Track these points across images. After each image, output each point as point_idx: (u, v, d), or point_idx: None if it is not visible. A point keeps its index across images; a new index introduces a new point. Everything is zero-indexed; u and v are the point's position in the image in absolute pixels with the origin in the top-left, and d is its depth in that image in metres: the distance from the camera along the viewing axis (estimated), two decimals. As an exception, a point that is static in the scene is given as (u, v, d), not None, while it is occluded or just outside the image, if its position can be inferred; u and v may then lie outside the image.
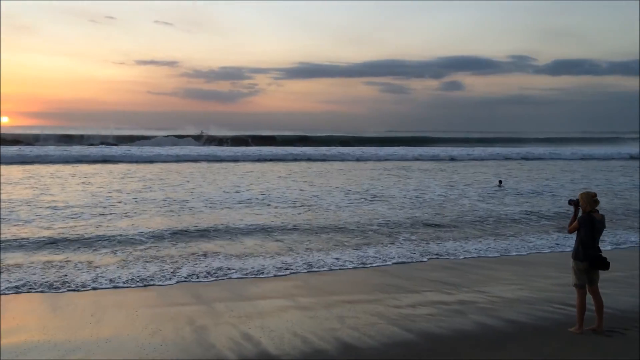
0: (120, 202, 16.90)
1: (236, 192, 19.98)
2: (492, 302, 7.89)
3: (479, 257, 11.00)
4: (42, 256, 10.28)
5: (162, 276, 9.16)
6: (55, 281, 8.73)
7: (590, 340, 6.28)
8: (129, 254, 10.59)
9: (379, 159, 40.68)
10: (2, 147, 36.57)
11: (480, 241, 12.37)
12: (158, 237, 12.02)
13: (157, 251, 10.83)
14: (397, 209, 16.55)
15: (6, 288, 8.31)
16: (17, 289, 8.31)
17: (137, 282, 8.85)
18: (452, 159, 42.00)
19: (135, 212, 15.09)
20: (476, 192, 20.98)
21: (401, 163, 37.60)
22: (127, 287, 8.62)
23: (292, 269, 9.78)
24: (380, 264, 10.30)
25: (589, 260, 6.36)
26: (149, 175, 25.77)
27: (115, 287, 8.57)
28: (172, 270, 9.50)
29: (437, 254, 11.08)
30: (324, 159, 39.64)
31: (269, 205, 16.94)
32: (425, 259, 10.70)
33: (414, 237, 12.63)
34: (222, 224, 13.56)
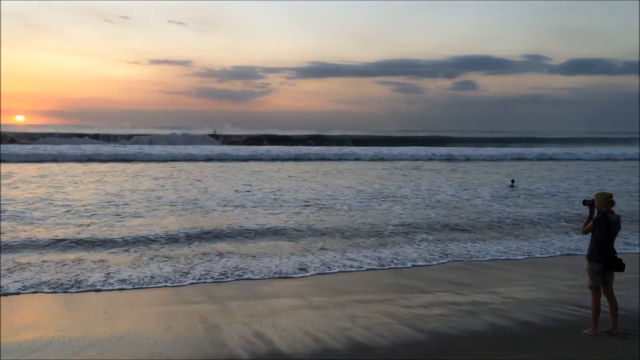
0: (133, 200, 17.02)
1: (248, 191, 20.03)
2: (505, 303, 7.84)
3: (493, 259, 10.93)
4: (56, 255, 10.39)
5: (175, 275, 9.21)
6: (69, 280, 8.81)
7: (604, 342, 6.22)
8: (142, 253, 10.67)
9: (393, 158, 40.66)
10: (16, 145, 37.09)
11: (499, 242, 12.29)
12: (171, 236, 12.06)
13: (170, 250, 10.90)
14: (411, 210, 16.50)
15: (22, 287, 8.41)
16: (31, 288, 8.40)
17: (150, 280, 8.91)
18: (467, 159, 41.82)
19: (147, 212, 15.19)
20: (489, 193, 20.86)
21: (414, 163, 37.49)
22: (140, 285, 8.68)
23: (308, 270, 9.74)
24: (401, 266, 10.19)
25: (604, 261, 6.30)
26: (162, 174, 25.94)
27: (128, 286, 8.63)
28: (185, 270, 9.55)
29: (453, 255, 11.02)
30: (338, 158, 39.77)
31: (281, 206, 16.97)
32: (443, 261, 10.61)
33: (430, 238, 12.57)
34: (235, 224, 13.60)
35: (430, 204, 17.66)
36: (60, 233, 12.12)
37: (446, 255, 11.04)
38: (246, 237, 12.26)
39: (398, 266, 10.18)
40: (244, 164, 34.16)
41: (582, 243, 11.96)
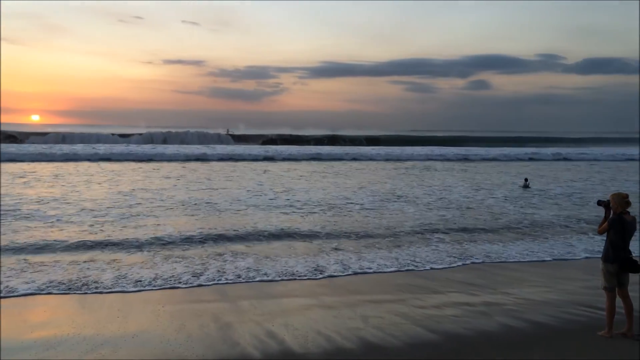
0: (146, 200, 17.15)
1: (261, 192, 20.10)
2: (519, 304, 7.79)
3: (503, 262, 10.86)
4: (69, 255, 10.47)
5: (188, 275, 9.26)
6: (82, 279, 8.89)
7: (619, 344, 6.15)
8: (155, 252, 10.73)
9: (407, 158, 40.69)
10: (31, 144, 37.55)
11: (517, 244, 12.16)
12: (185, 236, 12.12)
13: (183, 250, 10.95)
14: (425, 210, 16.46)
15: (37, 287, 8.49)
16: (45, 287, 8.49)
17: (164, 281, 8.95)
18: (482, 159, 41.61)
19: (161, 212, 15.30)
20: (502, 194, 20.72)
21: (425, 163, 37.36)
22: (153, 285, 8.73)
23: (324, 271, 9.64)
24: (420, 267, 10.06)
25: (619, 262, 6.24)
26: (174, 174, 26.10)
27: (141, 286, 8.69)
28: (199, 270, 9.58)
29: (472, 257, 10.91)
30: (353, 158, 39.84)
31: (294, 206, 16.99)
32: (464, 263, 10.48)
33: (447, 239, 12.47)
34: (249, 224, 13.65)
35: (444, 205, 17.58)
36: (73, 233, 12.24)
37: (465, 257, 10.84)
38: (260, 237, 12.28)
39: (419, 268, 10.02)
40: (256, 163, 34.27)
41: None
